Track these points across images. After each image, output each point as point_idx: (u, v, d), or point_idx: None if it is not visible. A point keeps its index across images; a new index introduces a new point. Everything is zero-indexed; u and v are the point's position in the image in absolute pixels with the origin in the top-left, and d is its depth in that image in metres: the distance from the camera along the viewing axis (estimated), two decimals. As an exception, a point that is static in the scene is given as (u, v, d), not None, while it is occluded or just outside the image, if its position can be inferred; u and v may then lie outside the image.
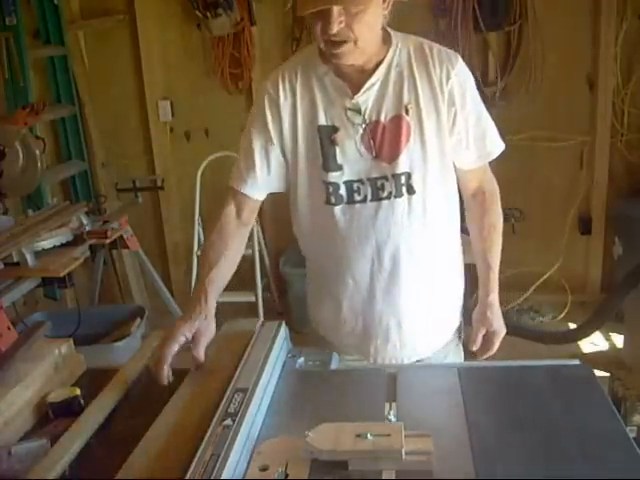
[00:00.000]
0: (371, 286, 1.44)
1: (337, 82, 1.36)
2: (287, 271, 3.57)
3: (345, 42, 1.25)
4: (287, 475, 0.90)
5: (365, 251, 1.41)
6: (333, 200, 1.39)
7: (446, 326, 1.55)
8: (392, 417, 1.04)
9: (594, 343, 3.21)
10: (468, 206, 1.53)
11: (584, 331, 2.90)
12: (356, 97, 1.35)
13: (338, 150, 1.36)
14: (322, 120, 1.37)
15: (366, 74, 1.35)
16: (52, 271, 2.22)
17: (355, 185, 1.37)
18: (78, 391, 1.18)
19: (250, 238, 3.50)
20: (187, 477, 0.84)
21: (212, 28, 3.52)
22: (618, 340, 3.21)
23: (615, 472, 0.90)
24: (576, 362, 1.21)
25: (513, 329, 3.06)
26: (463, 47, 3.32)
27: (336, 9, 1.21)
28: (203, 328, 1.25)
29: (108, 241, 2.68)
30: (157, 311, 3.45)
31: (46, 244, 2.30)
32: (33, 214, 2.56)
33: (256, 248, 3.50)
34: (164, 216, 3.99)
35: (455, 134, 1.39)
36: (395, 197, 1.37)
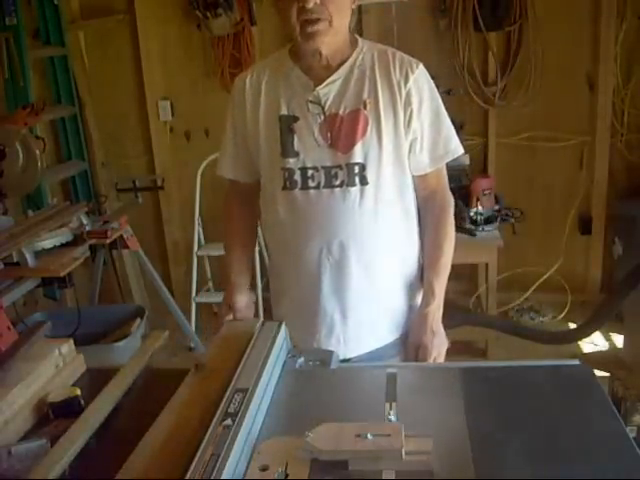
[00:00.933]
0: (318, 275, 1.49)
1: (302, 77, 1.47)
2: (287, 271, 3.57)
3: (320, 20, 1.35)
4: (287, 475, 0.90)
5: (315, 237, 1.47)
6: (288, 185, 1.47)
7: (394, 323, 1.57)
8: (392, 417, 1.04)
9: (594, 343, 3.22)
10: (421, 212, 1.57)
11: (584, 331, 2.90)
12: (318, 89, 1.45)
13: (296, 138, 1.46)
14: (284, 110, 1.47)
15: (330, 70, 1.45)
16: (52, 271, 2.22)
17: (309, 172, 1.45)
18: (78, 391, 1.18)
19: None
20: (187, 477, 0.84)
21: (212, 28, 3.52)
22: (618, 340, 3.21)
23: (615, 472, 0.90)
24: (576, 362, 1.21)
25: (513, 329, 3.06)
26: (463, 47, 3.33)
27: None
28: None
29: (108, 241, 2.68)
30: (157, 311, 3.46)
31: (46, 244, 2.30)
32: (33, 214, 2.56)
33: (256, 248, 3.50)
34: (164, 216, 3.99)
35: (410, 134, 1.46)
36: (347, 186, 1.44)
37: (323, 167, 1.45)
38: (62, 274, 2.22)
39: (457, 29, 3.32)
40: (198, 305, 3.58)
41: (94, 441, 1.07)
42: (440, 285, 1.51)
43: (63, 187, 3.88)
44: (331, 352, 1.30)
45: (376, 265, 1.50)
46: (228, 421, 0.96)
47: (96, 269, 3.28)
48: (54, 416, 1.15)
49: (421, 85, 1.45)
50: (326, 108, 1.45)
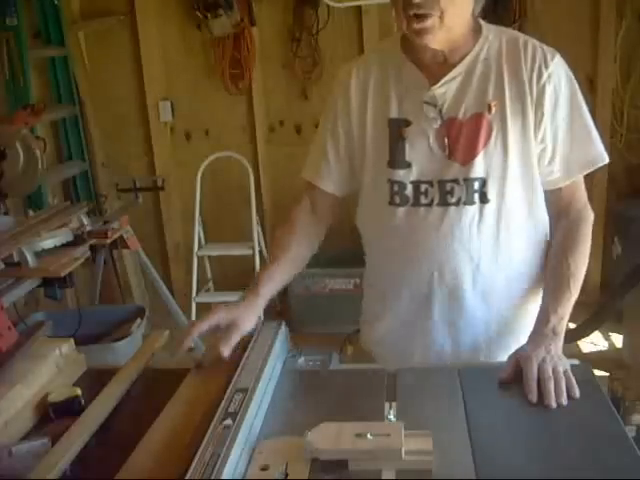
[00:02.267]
0: (427, 302, 1.31)
1: (415, 73, 1.26)
2: (287, 271, 3.57)
3: (429, 16, 1.13)
4: (287, 475, 0.90)
5: (425, 261, 1.28)
6: (397, 200, 1.28)
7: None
8: (392, 417, 1.04)
9: (594, 343, 3.22)
10: (552, 230, 1.35)
11: (584, 331, 2.90)
12: (434, 89, 1.23)
13: (407, 146, 1.26)
14: (394, 113, 1.27)
15: (449, 66, 1.23)
16: (53, 271, 2.22)
17: (423, 187, 1.26)
18: (79, 391, 1.18)
19: (250, 238, 3.52)
20: (187, 477, 0.85)
21: (212, 28, 3.52)
22: (618, 340, 3.21)
23: (614, 472, 0.90)
24: (576, 362, 1.21)
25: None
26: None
27: None
28: (240, 320, 1.20)
29: (109, 241, 2.68)
30: (157, 311, 3.46)
31: (47, 244, 2.30)
32: (34, 214, 2.56)
33: (256, 248, 3.51)
34: (164, 216, 3.99)
35: (541, 142, 1.24)
36: (465, 204, 1.24)
37: (439, 182, 1.25)
38: (62, 274, 2.22)
39: (457, 29, 3.32)
40: (198, 305, 3.58)
41: (94, 441, 1.07)
42: (570, 299, 1.28)
43: (63, 187, 3.88)
44: (331, 352, 1.30)
45: (495, 295, 1.31)
46: (228, 421, 0.96)
47: (96, 269, 3.28)
48: (55, 416, 1.15)
49: (557, 82, 1.22)
50: (443, 111, 1.23)
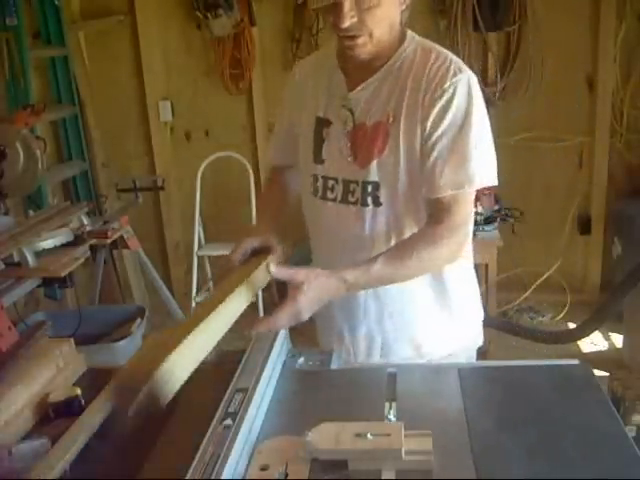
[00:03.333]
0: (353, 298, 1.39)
1: (340, 78, 1.34)
2: (287, 271, 3.57)
3: (357, 36, 1.21)
4: (287, 475, 0.90)
5: (332, 252, 1.39)
6: (313, 191, 1.40)
7: (410, 346, 1.42)
8: (392, 417, 1.04)
9: (594, 343, 3.22)
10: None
11: (584, 331, 2.91)
12: (351, 94, 1.32)
13: (325, 144, 1.36)
14: (321, 112, 1.37)
15: (367, 72, 1.30)
16: (53, 271, 2.22)
17: (330, 182, 1.36)
18: (79, 391, 1.18)
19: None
20: (187, 477, 0.85)
21: (212, 28, 3.53)
22: (618, 340, 3.22)
23: (614, 472, 0.90)
24: (576, 362, 1.21)
25: (513, 329, 3.06)
26: (463, 47, 3.33)
27: (347, 3, 1.16)
28: (271, 239, 1.29)
29: (109, 241, 2.68)
30: (157, 311, 3.46)
31: (47, 244, 2.30)
32: (34, 214, 2.56)
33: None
34: (164, 216, 3.99)
35: (423, 154, 1.26)
36: (361, 205, 1.32)
37: (343, 180, 1.34)
38: (63, 274, 2.22)
39: (457, 30, 3.32)
40: (198, 305, 3.58)
41: (94, 441, 1.07)
42: (374, 275, 1.20)
43: (64, 187, 3.89)
44: (331, 352, 1.31)
45: (387, 295, 1.37)
46: (228, 421, 0.96)
47: (97, 269, 3.29)
48: (55, 416, 1.15)
49: (449, 98, 1.23)
50: (356, 116, 1.31)
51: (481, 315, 1.53)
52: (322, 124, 1.36)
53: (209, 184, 3.65)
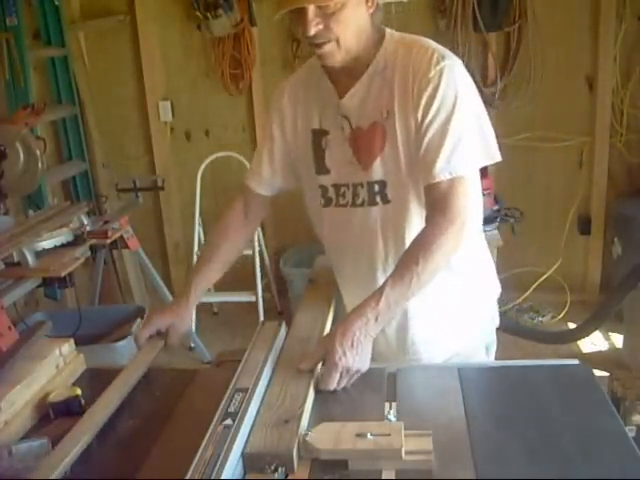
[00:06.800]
0: (352, 291, 1.43)
1: (328, 86, 1.35)
2: (287, 271, 3.58)
3: (326, 42, 1.22)
4: (287, 475, 0.90)
5: (349, 256, 1.41)
6: (324, 202, 1.40)
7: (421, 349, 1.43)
8: (392, 417, 1.04)
9: (594, 343, 3.22)
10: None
11: (584, 331, 2.90)
12: (343, 102, 1.33)
13: (327, 154, 1.36)
14: (316, 124, 1.38)
15: (353, 78, 1.31)
16: (53, 271, 2.21)
17: (342, 189, 1.36)
18: (78, 391, 1.19)
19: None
20: (187, 477, 0.85)
21: (212, 29, 3.52)
22: (618, 340, 3.22)
23: (614, 472, 0.90)
24: (576, 362, 1.21)
25: (513, 329, 3.06)
26: (463, 47, 3.33)
27: (311, 10, 1.18)
28: (176, 325, 1.41)
29: (109, 241, 2.68)
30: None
31: (47, 244, 2.30)
32: (34, 214, 2.56)
33: (256, 248, 3.51)
34: (164, 216, 3.99)
35: (421, 142, 1.26)
36: (369, 205, 1.33)
37: (352, 184, 1.35)
38: (63, 274, 2.22)
39: (457, 29, 3.31)
40: (198, 305, 3.56)
41: (95, 441, 1.07)
42: (391, 298, 1.18)
43: (64, 187, 3.89)
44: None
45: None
46: (228, 421, 0.96)
47: (97, 269, 3.29)
48: (54, 416, 1.15)
49: (435, 86, 1.23)
50: (352, 121, 1.33)
51: (497, 315, 1.53)
52: (319, 135, 1.37)
53: (209, 184, 3.65)
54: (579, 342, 3.12)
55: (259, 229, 3.63)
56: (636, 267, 2.69)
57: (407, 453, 0.90)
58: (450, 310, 1.42)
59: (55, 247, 2.33)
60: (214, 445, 0.90)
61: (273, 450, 0.91)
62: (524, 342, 2.89)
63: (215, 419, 0.97)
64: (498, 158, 1.30)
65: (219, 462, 0.86)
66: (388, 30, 1.33)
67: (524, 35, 3.35)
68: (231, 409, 0.99)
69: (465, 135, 1.25)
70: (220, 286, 3.86)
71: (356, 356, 1.15)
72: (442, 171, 1.23)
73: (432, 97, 1.23)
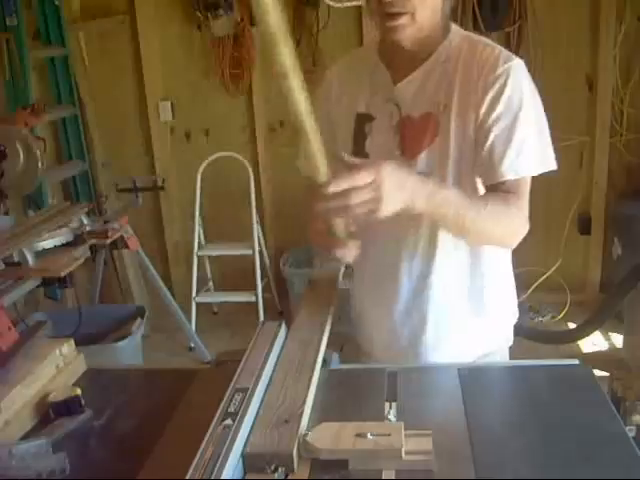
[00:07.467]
0: (370, 292, 1.41)
1: (384, 73, 1.33)
2: (287, 271, 3.58)
3: (402, 14, 1.18)
4: (287, 475, 0.90)
5: (372, 248, 1.34)
6: None
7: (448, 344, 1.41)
8: (392, 417, 1.04)
9: (594, 343, 3.22)
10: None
11: (584, 331, 2.91)
12: (396, 88, 1.30)
13: (369, 140, 1.33)
14: (362, 108, 1.34)
15: (412, 65, 1.29)
16: (53, 271, 2.21)
17: None
18: (78, 391, 1.18)
19: (250, 238, 3.53)
20: (187, 477, 0.85)
21: (212, 29, 3.53)
22: (618, 340, 3.22)
23: (615, 472, 0.90)
24: (576, 362, 1.21)
25: (513, 329, 3.06)
26: (463, 47, 3.33)
27: None
28: None
29: (109, 241, 2.68)
30: (157, 311, 3.46)
31: (47, 244, 2.30)
32: (34, 214, 2.56)
33: (256, 248, 3.51)
34: (164, 216, 3.99)
35: (477, 141, 1.25)
36: None
37: None
38: (62, 274, 2.22)
39: (457, 29, 3.32)
40: (198, 305, 3.58)
41: (95, 441, 1.07)
42: (450, 197, 1.12)
43: (63, 187, 3.89)
44: (331, 352, 1.31)
45: (428, 287, 1.35)
46: (228, 421, 0.96)
47: (96, 269, 3.29)
48: (55, 416, 1.15)
49: (502, 84, 1.21)
50: (402, 109, 1.29)
51: (515, 316, 1.53)
52: (364, 119, 1.34)
53: (209, 184, 3.65)
54: (579, 342, 3.12)
55: (259, 229, 3.63)
56: (636, 267, 2.69)
57: (407, 453, 0.90)
58: (467, 323, 1.40)
59: (55, 247, 2.33)
60: (214, 445, 0.90)
61: (273, 450, 0.91)
62: (524, 342, 2.89)
63: (215, 419, 0.97)
64: (554, 166, 1.27)
65: (219, 462, 0.86)
66: (454, 26, 1.32)
67: (524, 35, 3.35)
68: (231, 409, 0.99)
69: (531, 137, 1.24)
70: (220, 286, 3.88)
71: (386, 195, 1.02)
72: (508, 170, 1.21)
73: (499, 94, 1.22)
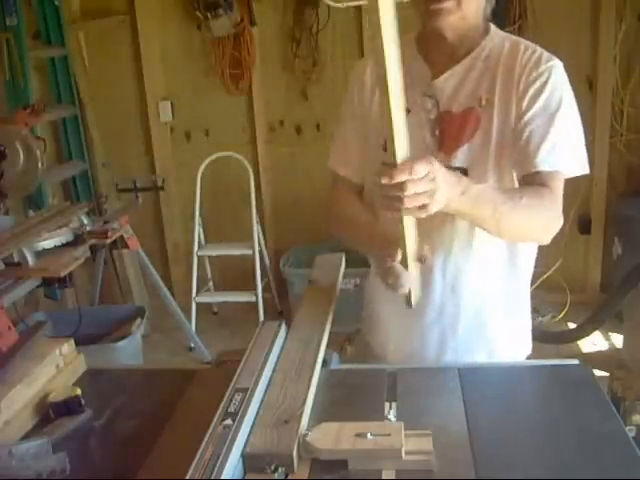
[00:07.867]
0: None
1: (422, 66, 1.32)
2: (287, 271, 3.58)
3: None
4: (287, 475, 0.90)
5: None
6: None
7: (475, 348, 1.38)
8: (392, 417, 1.04)
9: (594, 343, 3.22)
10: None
11: (584, 331, 2.91)
12: (435, 82, 1.29)
13: None
14: None
15: (453, 62, 1.29)
16: (53, 271, 2.21)
17: None
18: (78, 391, 1.18)
19: (250, 238, 3.53)
20: (187, 477, 0.85)
21: (212, 29, 3.53)
22: (618, 340, 3.22)
23: (615, 472, 0.90)
24: (576, 362, 1.21)
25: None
26: (463, 47, 3.33)
27: None
28: None
29: (108, 241, 2.68)
30: (157, 311, 3.46)
31: (47, 244, 2.30)
32: (34, 214, 2.56)
33: (256, 248, 3.51)
34: (164, 216, 3.99)
35: (515, 134, 1.25)
36: None
37: None
38: (62, 274, 2.22)
39: (457, 29, 3.32)
40: (198, 305, 3.58)
41: (95, 441, 1.07)
42: (487, 193, 1.11)
43: (64, 187, 3.89)
44: (331, 352, 1.31)
45: (462, 285, 1.33)
46: (228, 421, 0.96)
47: (96, 269, 3.29)
48: (55, 416, 1.15)
49: (542, 83, 1.23)
50: (440, 104, 1.28)
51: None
52: None
53: (209, 184, 3.65)
54: (579, 342, 3.12)
55: (259, 229, 3.63)
56: (636, 267, 2.69)
57: (407, 453, 0.90)
58: (501, 326, 1.37)
59: (55, 247, 2.33)
60: (214, 445, 0.90)
61: (273, 450, 0.91)
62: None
63: (215, 419, 0.97)
64: (587, 170, 1.27)
65: (219, 462, 0.86)
66: (493, 26, 1.33)
67: (524, 35, 3.34)
68: (231, 409, 0.99)
69: (567, 135, 1.26)
70: (220, 286, 3.88)
71: (440, 190, 0.99)
72: (543, 162, 1.21)
73: (540, 90, 1.23)
